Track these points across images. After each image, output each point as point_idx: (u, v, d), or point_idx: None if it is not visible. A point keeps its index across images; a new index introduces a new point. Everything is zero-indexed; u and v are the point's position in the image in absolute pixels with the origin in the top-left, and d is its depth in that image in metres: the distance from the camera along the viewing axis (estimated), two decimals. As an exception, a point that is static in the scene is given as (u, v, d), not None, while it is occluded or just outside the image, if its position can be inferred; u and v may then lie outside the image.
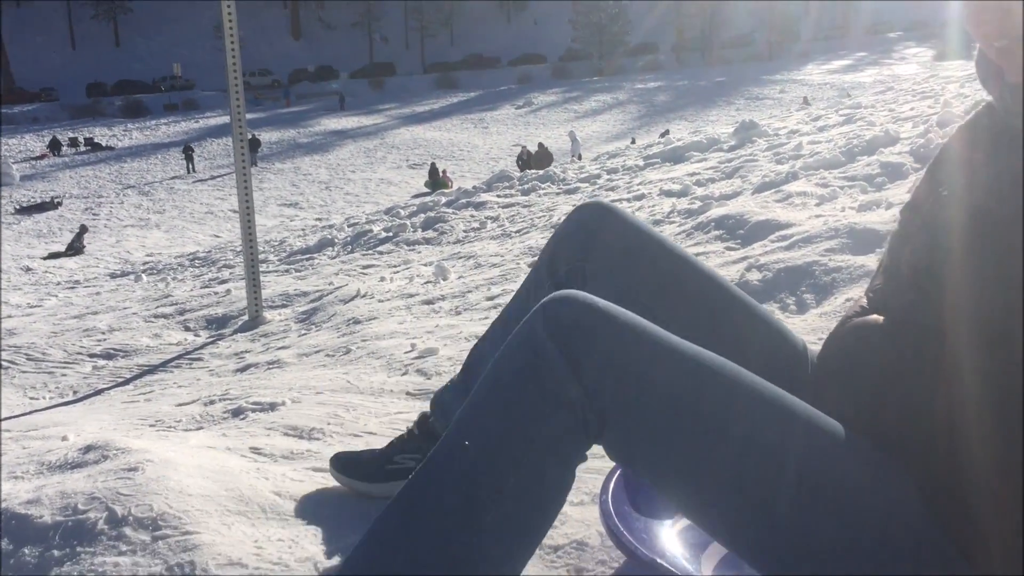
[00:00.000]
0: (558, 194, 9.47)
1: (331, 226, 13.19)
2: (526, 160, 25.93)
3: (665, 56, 69.53)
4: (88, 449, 2.36)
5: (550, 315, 1.07)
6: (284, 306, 5.90)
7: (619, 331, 1.06)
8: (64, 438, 2.73)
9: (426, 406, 2.92)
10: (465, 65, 70.56)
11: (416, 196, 18.82)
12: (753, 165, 7.31)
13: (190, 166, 31.68)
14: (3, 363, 5.12)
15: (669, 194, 7.01)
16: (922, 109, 8.64)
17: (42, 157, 36.14)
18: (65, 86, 67.82)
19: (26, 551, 1.78)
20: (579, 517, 1.83)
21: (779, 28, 66.57)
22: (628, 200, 7.41)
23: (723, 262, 4.15)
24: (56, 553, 1.76)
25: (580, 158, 23.31)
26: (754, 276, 3.69)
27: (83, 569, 1.69)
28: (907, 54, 56.32)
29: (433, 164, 28.16)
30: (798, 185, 5.51)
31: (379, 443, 2.50)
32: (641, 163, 10.37)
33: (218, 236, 19.35)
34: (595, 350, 1.04)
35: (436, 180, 25.71)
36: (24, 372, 4.95)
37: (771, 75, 48.80)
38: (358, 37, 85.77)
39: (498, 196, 10.15)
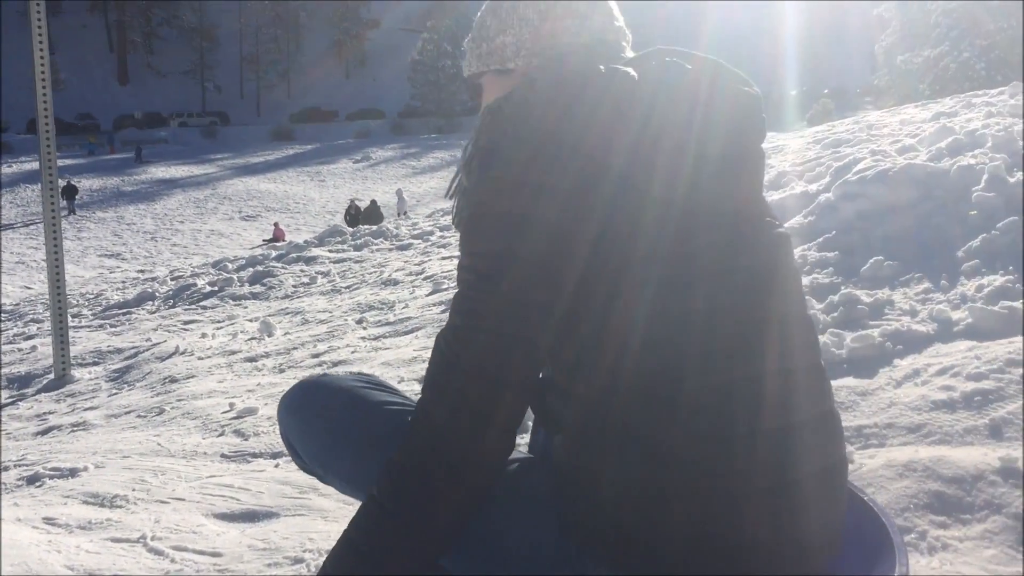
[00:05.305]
0: (391, 250, 9.44)
1: (153, 279, 12.61)
2: (354, 215, 25.43)
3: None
4: None
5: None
6: (95, 364, 5.58)
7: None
8: None
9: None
10: (303, 117, 69.44)
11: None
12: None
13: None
14: None
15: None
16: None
17: None
18: None
19: None
20: None
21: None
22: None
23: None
24: None
25: (406, 215, 23.21)
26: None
27: None
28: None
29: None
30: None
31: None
32: (474, 221, 10.48)
33: (29, 288, 18.11)
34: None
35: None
36: None
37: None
38: (191, 85, 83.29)
39: (330, 251, 10.02)
